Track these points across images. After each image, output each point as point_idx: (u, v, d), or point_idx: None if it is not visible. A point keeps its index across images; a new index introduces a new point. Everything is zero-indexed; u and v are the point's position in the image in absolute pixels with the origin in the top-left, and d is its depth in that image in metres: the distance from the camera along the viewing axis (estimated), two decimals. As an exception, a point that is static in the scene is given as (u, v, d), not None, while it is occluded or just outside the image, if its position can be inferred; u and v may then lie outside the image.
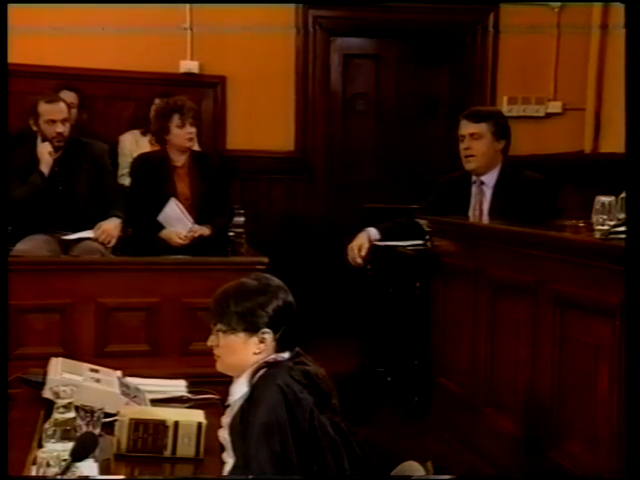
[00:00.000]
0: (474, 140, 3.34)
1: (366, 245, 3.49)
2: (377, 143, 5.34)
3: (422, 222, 3.29)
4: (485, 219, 3.30)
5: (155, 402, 2.40)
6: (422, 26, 5.14)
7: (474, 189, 3.43)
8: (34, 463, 1.77)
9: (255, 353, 1.95)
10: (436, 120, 5.31)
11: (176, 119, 3.84)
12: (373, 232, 3.54)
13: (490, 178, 3.38)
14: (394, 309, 3.42)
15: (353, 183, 5.29)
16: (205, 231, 3.93)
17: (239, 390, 1.95)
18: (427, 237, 3.22)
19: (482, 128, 3.34)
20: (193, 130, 3.90)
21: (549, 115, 5.19)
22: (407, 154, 5.31)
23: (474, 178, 3.43)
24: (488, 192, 3.39)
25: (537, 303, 2.37)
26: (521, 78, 5.17)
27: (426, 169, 5.11)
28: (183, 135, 3.88)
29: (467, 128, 3.36)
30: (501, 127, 3.36)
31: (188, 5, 4.84)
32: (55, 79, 4.55)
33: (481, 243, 2.78)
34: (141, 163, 4.04)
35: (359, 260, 3.50)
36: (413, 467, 1.82)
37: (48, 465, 1.69)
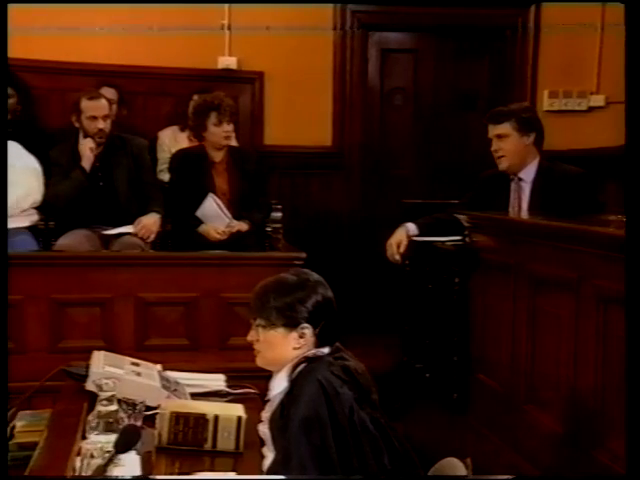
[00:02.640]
0: (501, 141, 3.34)
1: (405, 242, 3.48)
2: (415, 138, 5.30)
3: (461, 217, 3.26)
4: (524, 215, 3.27)
5: (195, 396, 2.41)
6: (461, 20, 5.10)
7: (512, 186, 3.40)
8: (78, 454, 1.80)
9: (295, 348, 1.96)
10: (475, 115, 5.26)
11: (213, 117, 3.86)
12: (411, 227, 3.52)
13: (527, 174, 3.36)
14: (432, 305, 3.40)
15: (391, 178, 5.27)
16: (243, 226, 3.96)
17: (279, 385, 1.96)
18: (466, 233, 3.19)
19: (506, 128, 3.33)
20: (230, 128, 3.92)
21: (591, 109, 5.10)
22: (445, 149, 5.27)
23: (512, 175, 3.40)
24: (526, 188, 3.36)
25: (579, 299, 2.34)
26: (562, 71, 5.09)
27: (465, 164, 5.07)
28: (220, 133, 3.90)
29: (492, 130, 3.37)
30: (525, 121, 3.33)
31: (227, 5, 4.86)
32: (95, 76, 4.61)
33: (521, 238, 2.75)
34: (180, 159, 4.08)
35: (397, 257, 3.49)
36: (452, 464, 1.81)
37: (92, 456, 1.72)
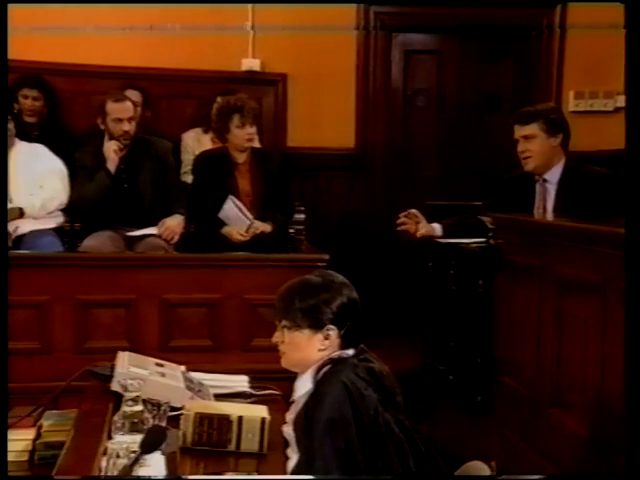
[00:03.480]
0: (528, 141, 3.30)
1: (422, 230, 3.45)
2: (438, 139, 5.28)
3: (486, 219, 3.24)
4: (549, 216, 3.24)
5: (218, 397, 2.42)
6: (485, 20, 5.07)
7: (537, 187, 3.37)
8: (104, 454, 1.81)
9: (320, 349, 1.96)
10: (499, 116, 5.23)
11: (236, 119, 3.88)
12: (437, 228, 3.51)
13: (553, 175, 3.33)
14: (456, 307, 3.38)
15: (414, 180, 5.25)
16: (266, 228, 3.96)
17: (303, 386, 1.96)
18: (491, 234, 3.18)
19: (533, 129, 3.29)
20: (253, 130, 3.94)
21: (618, 109, 5.04)
22: (469, 150, 5.25)
23: (537, 176, 3.37)
24: (552, 189, 3.33)
25: (606, 302, 2.32)
26: (588, 72, 5.04)
27: (489, 166, 5.04)
28: (242, 135, 3.92)
29: (519, 131, 3.34)
30: (553, 123, 3.30)
31: (250, 5, 4.87)
32: (120, 79, 4.65)
33: (547, 240, 2.73)
34: (203, 161, 4.10)
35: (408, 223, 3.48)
36: (478, 467, 1.80)
37: (118, 456, 1.73)
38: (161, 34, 4.78)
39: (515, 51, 5.24)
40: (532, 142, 3.30)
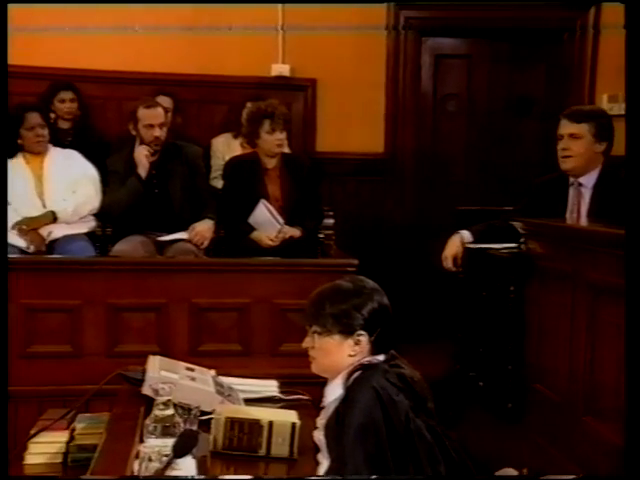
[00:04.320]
0: (573, 140, 3.24)
1: (460, 254, 3.45)
2: (469, 144, 5.26)
3: (517, 224, 3.21)
4: (583, 222, 3.20)
5: (248, 401, 2.43)
6: (517, 24, 5.03)
7: (571, 191, 3.33)
8: (137, 457, 1.83)
9: (350, 355, 1.95)
10: (531, 120, 5.19)
11: (266, 125, 3.90)
12: (466, 235, 3.48)
13: (589, 179, 3.27)
14: (487, 313, 3.36)
15: (444, 185, 5.23)
16: (295, 232, 3.97)
17: (334, 392, 1.96)
18: (522, 240, 3.15)
19: (582, 129, 3.23)
20: (283, 136, 3.95)
21: (653, 113, 4.97)
22: (500, 155, 5.21)
23: (571, 180, 3.33)
24: (587, 194, 3.28)
25: (641, 308, 2.28)
26: (622, 74, 4.96)
27: (520, 170, 5.01)
28: (272, 141, 3.93)
29: (567, 128, 3.26)
30: (603, 128, 3.23)
31: (280, 7, 4.89)
32: (151, 85, 4.68)
33: (580, 246, 2.69)
34: (233, 166, 4.12)
35: (454, 269, 3.47)
36: (510, 474, 1.79)
37: (150, 460, 1.75)
38: (192, 40, 4.82)
39: (547, 54, 5.19)
40: (577, 142, 3.24)
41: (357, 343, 1.95)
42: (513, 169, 5.13)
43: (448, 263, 3.47)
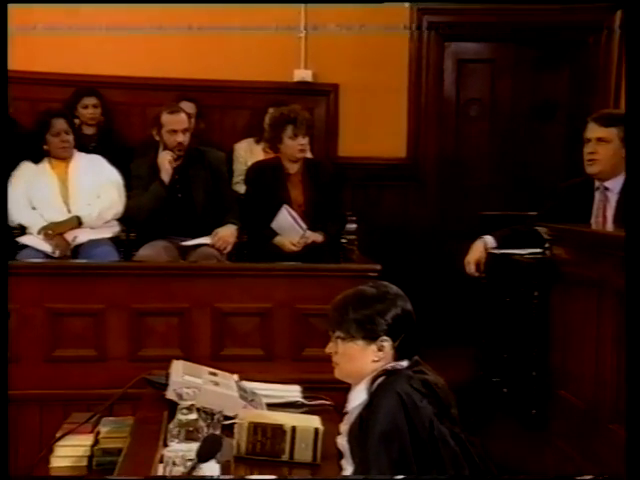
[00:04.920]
0: (600, 144, 3.21)
1: (483, 259, 3.43)
2: (492, 149, 5.23)
3: (541, 230, 3.19)
4: (609, 227, 3.17)
5: (271, 406, 2.43)
6: (541, 28, 5.01)
7: (597, 195, 3.30)
8: (161, 461, 1.83)
9: (374, 361, 1.95)
10: (554, 124, 5.15)
11: (289, 130, 3.91)
12: (489, 240, 3.46)
13: (615, 184, 3.24)
14: (510, 318, 3.34)
15: (466, 190, 5.21)
16: (318, 238, 3.97)
17: (357, 397, 1.96)
18: (546, 245, 3.12)
19: (611, 133, 3.19)
20: (305, 141, 3.96)
21: (680, 117, 4.91)
22: (523, 159, 5.18)
23: (597, 184, 3.30)
24: (613, 198, 3.25)
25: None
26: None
27: (543, 175, 4.97)
28: (295, 146, 3.94)
29: (594, 131, 3.23)
30: None
31: (303, 11, 4.90)
32: (174, 90, 4.72)
33: (606, 252, 2.66)
34: (255, 171, 4.13)
35: (477, 274, 3.45)
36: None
37: (174, 464, 1.76)
38: (214, 46, 4.85)
39: (572, 58, 5.15)
40: (605, 146, 3.20)
41: (381, 349, 1.95)
42: (537, 174, 5.09)
43: (471, 268, 3.45)
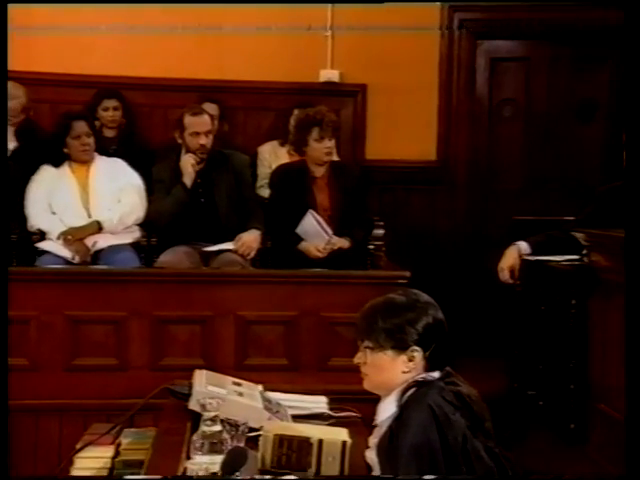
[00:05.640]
0: None
1: (517, 266, 3.41)
2: (526, 151, 5.19)
3: (578, 235, 3.16)
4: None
5: (296, 418, 2.42)
6: (579, 24, 4.95)
7: (638, 199, 3.26)
8: (184, 474, 1.84)
9: (404, 372, 1.94)
10: (593, 125, 5.10)
11: (315, 133, 3.91)
12: (524, 246, 3.44)
13: None
14: (546, 328, 3.31)
15: (499, 194, 5.18)
16: (344, 243, 3.97)
17: (387, 410, 1.95)
18: (584, 252, 3.09)
19: None
20: (331, 144, 3.96)
21: None
22: (560, 162, 5.13)
23: (637, 187, 3.26)
24: (656, 202, 3.21)
25: None
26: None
27: (581, 178, 4.93)
28: (321, 149, 3.95)
29: None
30: None
31: (329, 10, 4.90)
32: (197, 91, 4.74)
33: (647, 258, 2.63)
34: (280, 174, 4.14)
35: (511, 282, 3.43)
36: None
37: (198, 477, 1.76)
38: (238, 45, 4.87)
39: (611, 55, 5.08)
40: None
41: (411, 359, 1.94)
42: (574, 177, 5.04)
43: (505, 275, 3.43)
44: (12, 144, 4.15)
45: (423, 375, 1.94)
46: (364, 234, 4.10)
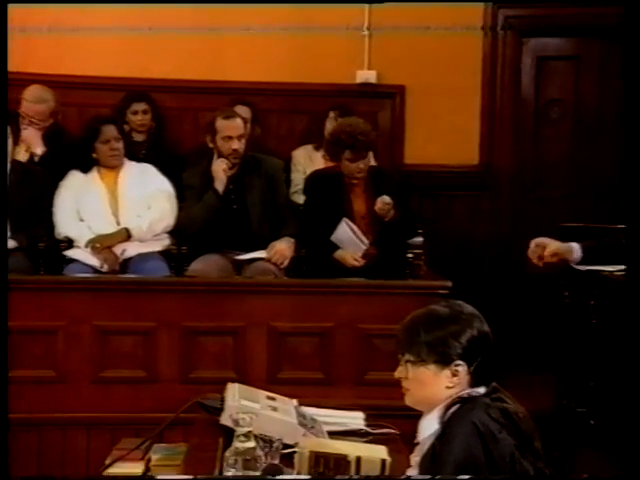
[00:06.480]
0: None
1: (558, 256, 3.24)
2: (574, 154, 5.15)
3: (632, 243, 3.11)
4: None
5: (332, 434, 2.42)
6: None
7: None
8: (217, 492, 1.85)
9: (447, 387, 1.92)
10: (647, 127, 5.04)
11: (347, 153, 3.92)
12: (575, 248, 3.32)
13: None
14: (597, 342, 3.26)
15: (546, 199, 5.13)
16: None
17: (429, 427, 1.93)
18: (638, 261, 3.04)
19: None
20: (364, 165, 3.96)
21: None
22: (610, 166, 5.06)
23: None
24: None
25: None
26: None
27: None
28: (354, 169, 3.96)
29: None
30: None
31: (366, 8, 4.90)
32: (229, 94, 4.77)
33: None
34: (315, 180, 4.15)
35: (536, 261, 3.26)
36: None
37: (231, 495, 1.76)
38: (271, 46, 4.89)
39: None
40: None
41: (455, 374, 1.92)
42: (626, 182, 4.97)
43: (536, 251, 3.26)
44: (40, 149, 4.21)
45: (468, 391, 1.92)
46: (403, 242, 4.07)
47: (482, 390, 1.93)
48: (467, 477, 1.73)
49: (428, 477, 1.79)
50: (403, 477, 1.93)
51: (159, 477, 2.06)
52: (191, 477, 1.88)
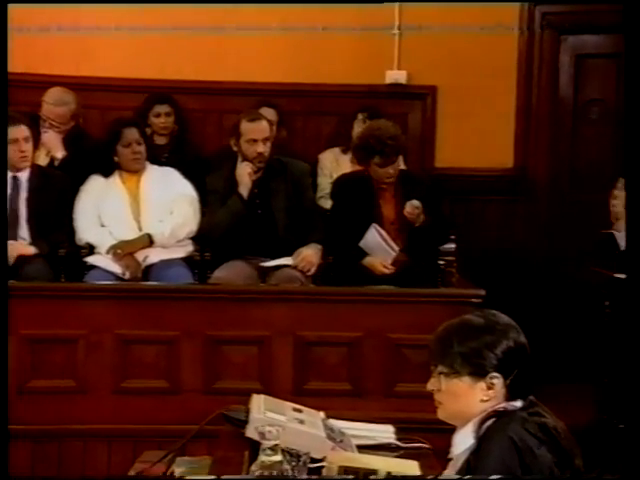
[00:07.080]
0: None
1: None
2: (615, 156, 5.09)
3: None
4: None
5: (361, 448, 2.41)
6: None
7: None
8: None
9: (482, 400, 1.91)
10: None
11: (377, 159, 3.92)
12: None
13: None
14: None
15: (585, 204, 5.08)
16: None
17: (464, 442, 1.92)
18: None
19: None
20: (394, 168, 3.95)
21: None
22: (654, 169, 5.03)
23: None
24: None
25: None
26: None
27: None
28: (383, 174, 3.96)
29: None
30: None
31: (396, 6, 4.90)
32: (254, 95, 4.78)
33: None
34: (342, 184, 4.15)
35: None
36: None
37: (257, 510, 1.76)
38: (297, 46, 4.91)
39: None
40: None
41: (490, 387, 1.91)
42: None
43: None
44: (60, 153, 4.26)
45: (504, 404, 1.91)
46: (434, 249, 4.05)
47: (519, 404, 1.92)
48: (497, 477, 1.72)
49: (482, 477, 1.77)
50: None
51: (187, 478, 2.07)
52: (214, 477, 1.88)
